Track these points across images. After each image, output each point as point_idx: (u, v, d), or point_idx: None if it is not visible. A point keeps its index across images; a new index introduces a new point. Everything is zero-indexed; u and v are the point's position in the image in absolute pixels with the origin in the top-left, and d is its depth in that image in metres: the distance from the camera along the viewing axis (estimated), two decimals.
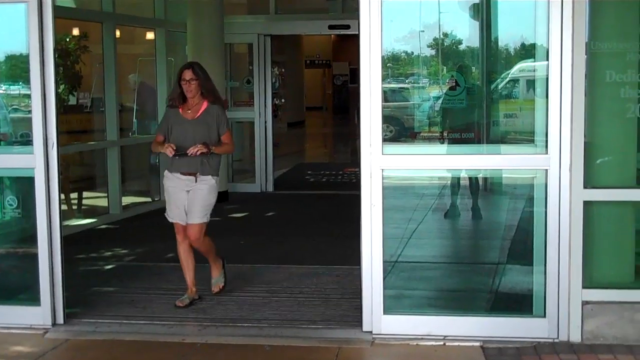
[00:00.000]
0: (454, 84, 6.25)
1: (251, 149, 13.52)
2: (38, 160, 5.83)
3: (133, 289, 7.05)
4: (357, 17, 5.59)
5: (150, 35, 12.88)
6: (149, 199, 11.80)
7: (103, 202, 10.62)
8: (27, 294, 6.16)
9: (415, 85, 7.26)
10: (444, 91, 6.14)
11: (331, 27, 13.21)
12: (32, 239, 5.98)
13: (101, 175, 10.86)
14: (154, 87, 12.31)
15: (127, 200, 11.03)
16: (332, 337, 5.79)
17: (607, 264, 5.66)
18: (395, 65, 6.71)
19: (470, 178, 8.06)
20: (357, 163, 13.88)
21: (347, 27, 12.90)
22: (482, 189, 7.57)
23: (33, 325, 5.97)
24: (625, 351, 5.38)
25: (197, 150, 6.24)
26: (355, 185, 12.84)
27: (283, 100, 13.23)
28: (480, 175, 7.23)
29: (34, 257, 5.94)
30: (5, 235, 6.77)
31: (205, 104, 6.40)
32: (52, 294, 5.97)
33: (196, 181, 6.43)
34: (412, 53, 6.98)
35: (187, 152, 6.25)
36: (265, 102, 12.92)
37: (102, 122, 10.62)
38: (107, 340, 5.82)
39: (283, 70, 15.41)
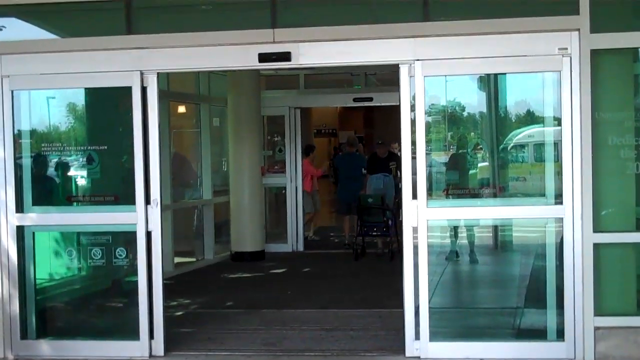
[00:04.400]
0: (480, 148, 7.52)
1: (280, 213, 14.75)
2: (140, 217, 7.04)
3: (206, 330, 8.14)
4: (398, 90, 6.82)
5: (181, 109, 14.24)
6: (194, 259, 12.97)
7: None
8: (125, 332, 7.29)
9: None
10: (471, 154, 7.41)
11: (356, 99, 14.57)
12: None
13: None
14: (186, 157, 13.63)
15: (176, 259, 12.17)
16: None
17: (614, 295, 6.81)
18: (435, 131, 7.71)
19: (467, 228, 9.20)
20: None
21: (370, 99, 14.31)
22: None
23: (133, 357, 7.12)
24: None
25: None
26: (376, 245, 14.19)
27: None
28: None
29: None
30: (115, 282, 7.94)
31: None
32: (150, 330, 7.13)
33: None
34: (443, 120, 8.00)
35: None
36: (296, 169, 14.20)
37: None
38: None
39: None
